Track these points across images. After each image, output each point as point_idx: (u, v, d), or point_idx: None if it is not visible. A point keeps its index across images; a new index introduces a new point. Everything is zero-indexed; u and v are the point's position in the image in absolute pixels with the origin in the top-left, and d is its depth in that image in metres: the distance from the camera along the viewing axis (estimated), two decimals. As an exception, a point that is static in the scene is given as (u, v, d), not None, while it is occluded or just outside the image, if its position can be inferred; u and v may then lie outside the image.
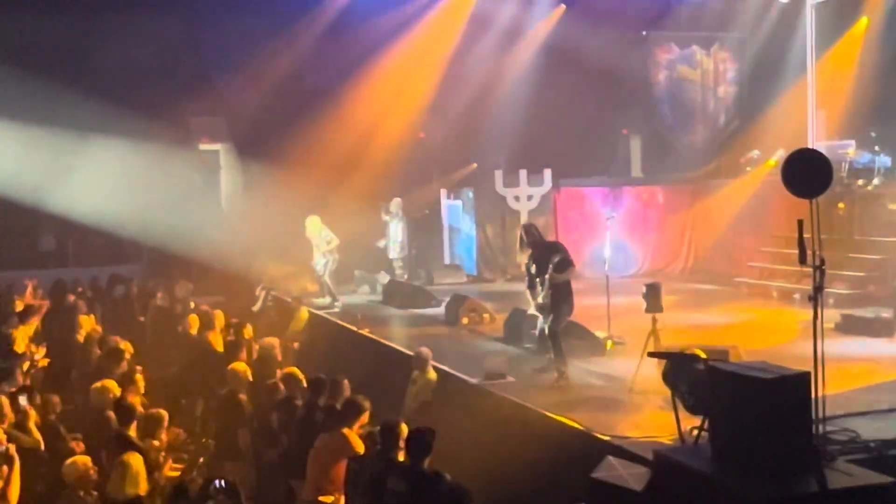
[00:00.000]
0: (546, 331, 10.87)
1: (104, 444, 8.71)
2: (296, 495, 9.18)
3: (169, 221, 20.17)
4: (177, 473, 9.01)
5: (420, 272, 20.59)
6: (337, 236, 17.75)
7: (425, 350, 11.81)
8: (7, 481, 7.99)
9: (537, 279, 10.89)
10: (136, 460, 8.02)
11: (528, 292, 11.24)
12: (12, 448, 8.21)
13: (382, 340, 14.38)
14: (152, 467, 8.39)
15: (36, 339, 13.41)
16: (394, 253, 19.77)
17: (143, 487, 7.94)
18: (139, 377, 10.35)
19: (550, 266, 10.66)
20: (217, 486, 7.05)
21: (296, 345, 11.97)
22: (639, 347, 10.47)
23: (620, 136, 23.46)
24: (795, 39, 20.69)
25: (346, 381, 9.58)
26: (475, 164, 22.73)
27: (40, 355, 12.44)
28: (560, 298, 10.76)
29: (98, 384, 9.90)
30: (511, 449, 9.63)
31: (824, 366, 7.01)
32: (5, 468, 7.99)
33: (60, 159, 20.18)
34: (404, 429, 7.84)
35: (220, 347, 12.74)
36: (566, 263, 10.77)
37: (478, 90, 21.67)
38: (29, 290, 16.49)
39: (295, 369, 10.58)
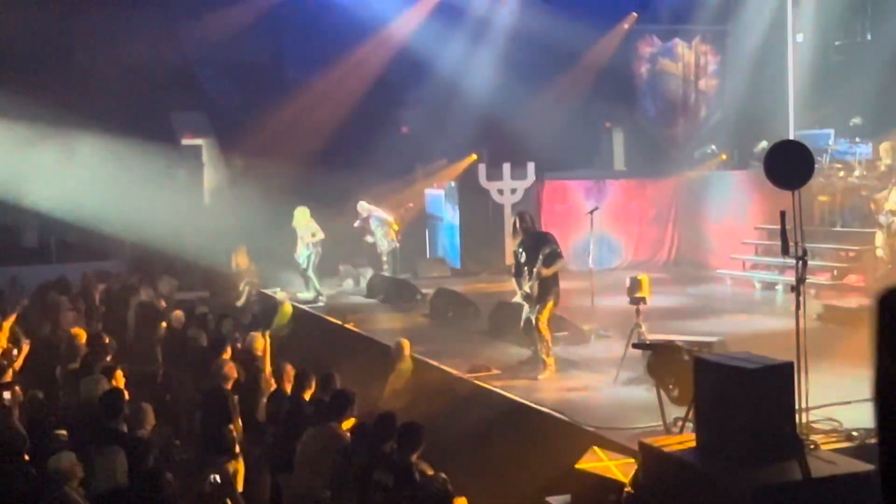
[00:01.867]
0: (532, 321, 10.89)
1: (91, 438, 8.68)
2: (283, 489, 9.18)
3: (152, 217, 20.10)
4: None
5: (405, 266, 20.59)
6: (322, 232, 17.78)
7: (401, 340, 11.89)
8: None
9: (525, 268, 10.91)
10: (119, 453, 8.00)
11: (514, 280, 11.26)
12: None
13: (366, 334, 14.39)
14: (137, 461, 8.37)
15: (18, 335, 13.36)
16: (381, 247, 19.83)
17: (124, 479, 7.91)
18: (119, 373, 10.32)
19: (540, 257, 10.68)
20: (213, 481, 7.06)
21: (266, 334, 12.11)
22: (623, 339, 10.52)
23: (603, 130, 23.50)
24: (777, 31, 20.77)
25: (336, 375, 9.57)
26: (458, 159, 22.72)
27: (21, 351, 12.40)
28: (547, 289, 10.77)
29: (89, 377, 9.88)
30: (496, 441, 9.67)
31: (807, 356, 7.07)
32: None
33: (42, 155, 20.09)
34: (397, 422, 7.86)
35: (204, 342, 12.72)
36: (555, 256, 10.78)
37: (460, 84, 21.67)
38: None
39: (285, 363, 10.58)
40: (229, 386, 10.14)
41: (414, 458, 7.36)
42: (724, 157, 20.68)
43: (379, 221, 19.94)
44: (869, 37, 19.40)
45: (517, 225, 11.17)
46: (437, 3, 22.35)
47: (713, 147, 20.59)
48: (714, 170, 20.63)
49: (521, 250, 11.04)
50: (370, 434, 7.92)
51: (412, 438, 7.43)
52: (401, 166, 22.32)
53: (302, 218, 17.74)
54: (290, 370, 10.20)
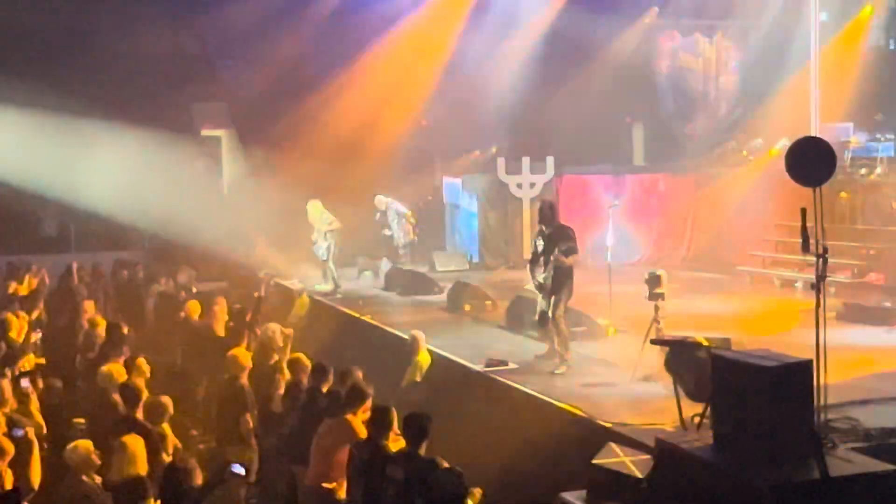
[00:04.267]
0: (549, 315, 10.88)
1: (108, 427, 8.71)
2: (298, 481, 9.19)
3: (171, 207, 20.16)
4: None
5: (422, 259, 20.59)
6: (339, 221, 17.79)
7: (417, 333, 11.93)
8: (27, 465, 8.02)
9: (541, 258, 10.94)
10: (135, 441, 8.03)
11: (528, 267, 11.30)
12: (31, 432, 8.24)
13: (384, 326, 14.40)
14: (156, 451, 8.40)
15: (39, 323, 13.42)
16: (399, 240, 19.82)
17: (142, 468, 7.94)
18: (142, 362, 10.36)
19: (556, 249, 10.69)
20: (232, 470, 7.05)
21: (290, 330, 12.06)
22: (641, 335, 10.49)
23: (623, 124, 23.43)
24: (798, 28, 20.65)
25: (358, 371, 9.52)
26: (477, 152, 22.70)
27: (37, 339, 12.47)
28: (561, 281, 10.78)
29: (105, 367, 9.92)
30: (513, 435, 9.66)
31: (826, 354, 7.02)
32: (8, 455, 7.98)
33: (63, 145, 20.15)
34: (395, 413, 7.85)
35: (221, 333, 12.74)
36: (571, 251, 10.80)
37: (481, 77, 21.63)
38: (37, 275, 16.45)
39: (301, 355, 10.59)
40: (244, 377, 10.16)
41: (422, 449, 7.35)
42: (774, 150, 19.82)
43: (397, 214, 19.93)
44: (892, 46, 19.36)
45: (539, 214, 11.23)
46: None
47: (760, 140, 20.22)
48: (767, 165, 20.01)
49: (539, 240, 11.07)
50: (371, 427, 7.92)
51: (418, 431, 7.42)
52: (420, 159, 22.31)
53: (314, 211, 17.76)
54: (306, 362, 10.21)
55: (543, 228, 11.12)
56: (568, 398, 9.55)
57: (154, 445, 8.35)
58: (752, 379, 6.49)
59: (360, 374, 9.43)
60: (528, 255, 11.66)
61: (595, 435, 8.29)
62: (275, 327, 12.35)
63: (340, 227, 17.80)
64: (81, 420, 9.59)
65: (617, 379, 10.43)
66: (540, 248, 11.02)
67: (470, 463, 7.67)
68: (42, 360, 11.95)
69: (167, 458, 8.66)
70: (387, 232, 19.93)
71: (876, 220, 16.23)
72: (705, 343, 8.41)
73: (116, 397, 9.27)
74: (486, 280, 17.96)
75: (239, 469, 7.09)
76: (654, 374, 9.87)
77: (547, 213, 11.24)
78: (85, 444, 7.97)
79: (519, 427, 9.71)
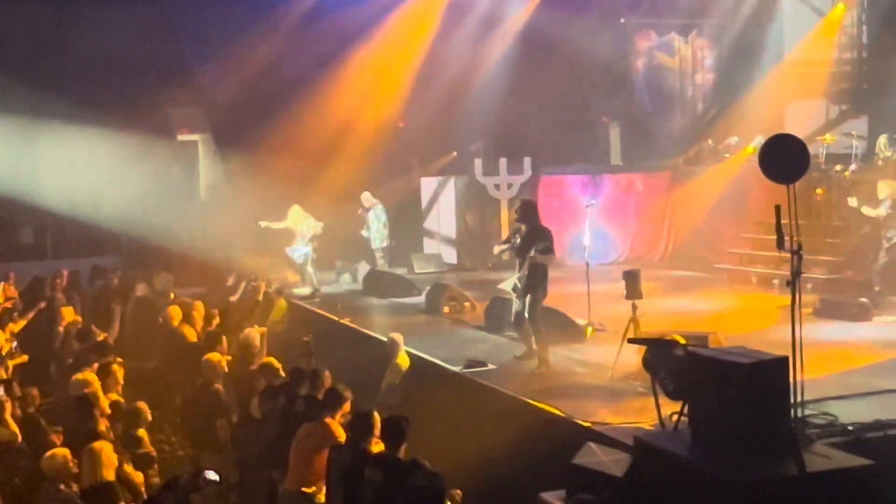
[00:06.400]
0: (524, 315, 10.89)
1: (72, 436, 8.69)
2: (277, 486, 9.16)
3: (148, 212, 20.09)
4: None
5: (400, 261, 20.56)
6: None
7: (396, 335, 11.96)
8: None
9: (517, 258, 10.96)
10: (105, 448, 8.01)
11: (495, 243, 11.37)
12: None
13: (363, 329, 14.38)
14: (123, 459, 8.37)
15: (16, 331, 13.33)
16: (376, 243, 19.75)
17: (110, 475, 7.91)
18: (117, 369, 10.31)
19: (533, 248, 10.71)
20: (206, 477, 7.03)
21: (264, 330, 12.07)
22: (619, 334, 10.52)
23: (600, 124, 23.48)
24: (773, 26, 20.75)
25: (327, 372, 9.55)
26: (455, 153, 22.69)
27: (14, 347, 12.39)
28: (536, 281, 10.79)
29: (78, 375, 9.86)
30: (492, 436, 9.66)
31: (802, 350, 7.05)
32: None
33: (38, 150, 20.05)
34: (377, 418, 7.85)
35: (198, 338, 12.70)
36: (547, 252, 10.81)
37: (457, 79, 21.62)
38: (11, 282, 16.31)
39: (272, 359, 10.57)
40: (220, 382, 10.13)
41: (401, 451, 7.35)
42: (751, 148, 19.66)
43: (376, 216, 19.88)
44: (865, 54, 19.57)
45: (518, 212, 11.24)
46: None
47: (736, 138, 20.25)
48: (743, 163, 20.01)
49: (516, 237, 11.08)
50: (352, 430, 7.91)
51: (396, 433, 7.42)
52: (397, 161, 22.29)
53: (298, 216, 17.73)
54: (283, 366, 10.20)
55: (521, 227, 11.12)
56: (546, 398, 9.55)
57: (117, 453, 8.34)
58: (729, 376, 6.50)
59: (329, 376, 9.42)
60: (506, 257, 11.65)
61: (574, 435, 8.29)
62: (252, 332, 12.32)
63: (322, 231, 17.82)
64: (59, 428, 9.52)
65: (595, 378, 10.44)
66: (516, 244, 11.05)
67: (449, 465, 7.67)
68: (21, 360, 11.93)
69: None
70: (364, 233, 19.86)
71: (851, 217, 16.31)
72: (683, 341, 8.42)
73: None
74: (464, 281, 17.96)
75: (213, 475, 7.05)
76: (633, 374, 9.89)
77: (526, 211, 11.24)
78: (62, 453, 7.93)
79: (498, 428, 9.71)
